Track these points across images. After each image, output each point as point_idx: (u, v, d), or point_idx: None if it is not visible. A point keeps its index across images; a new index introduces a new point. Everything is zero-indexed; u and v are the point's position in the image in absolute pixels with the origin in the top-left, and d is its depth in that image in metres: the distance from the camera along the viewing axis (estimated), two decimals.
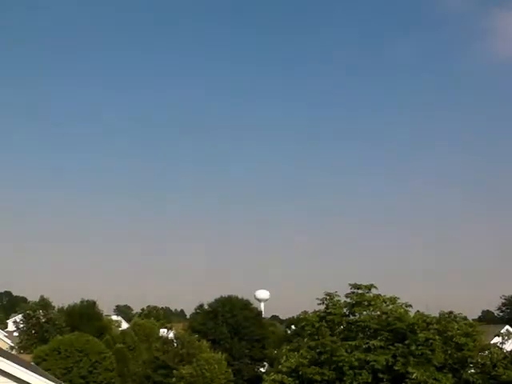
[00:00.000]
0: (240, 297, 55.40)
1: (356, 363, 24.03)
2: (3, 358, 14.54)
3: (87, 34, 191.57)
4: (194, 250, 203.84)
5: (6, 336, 66.77)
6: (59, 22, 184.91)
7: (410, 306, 26.78)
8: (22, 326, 60.17)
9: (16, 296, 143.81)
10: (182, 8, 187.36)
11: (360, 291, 27.28)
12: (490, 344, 26.34)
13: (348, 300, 27.39)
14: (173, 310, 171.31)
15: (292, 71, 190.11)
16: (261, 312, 62.26)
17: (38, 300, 64.08)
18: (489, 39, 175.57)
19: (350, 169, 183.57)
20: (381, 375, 24.02)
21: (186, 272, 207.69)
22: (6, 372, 14.19)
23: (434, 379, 22.87)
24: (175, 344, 43.32)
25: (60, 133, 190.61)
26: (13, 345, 58.56)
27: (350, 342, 24.99)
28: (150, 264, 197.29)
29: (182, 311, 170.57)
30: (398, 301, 26.97)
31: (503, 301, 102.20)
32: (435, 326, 24.53)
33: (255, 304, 65.91)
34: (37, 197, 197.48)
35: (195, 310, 57.46)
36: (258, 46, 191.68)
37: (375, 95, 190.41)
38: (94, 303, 66.67)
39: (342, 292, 27.64)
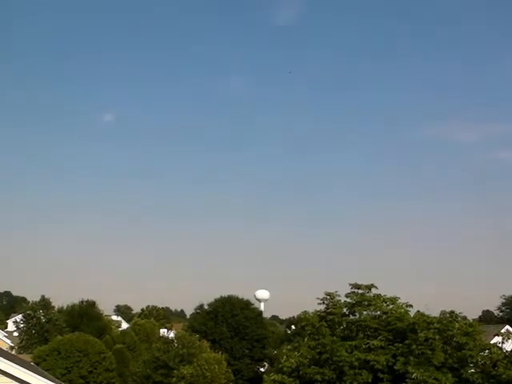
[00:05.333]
0: (240, 297, 55.47)
1: (356, 363, 24.03)
2: (3, 358, 14.53)
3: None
4: (194, 249, 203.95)
5: (6, 336, 66.80)
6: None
7: (411, 305, 26.81)
8: (22, 326, 60.21)
9: (16, 296, 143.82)
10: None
11: (360, 291, 27.30)
12: (490, 344, 26.33)
13: (348, 300, 27.40)
14: (173, 310, 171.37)
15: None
16: (261, 312, 62.21)
17: (38, 300, 64.16)
18: None
19: (349, 168, 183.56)
20: (381, 375, 24.03)
21: (186, 272, 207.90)
22: (6, 372, 14.19)
23: (434, 379, 22.86)
24: (175, 344, 43.27)
25: (62, 129, 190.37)
26: (13, 345, 58.58)
27: (350, 342, 24.99)
28: (149, 264, 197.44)
29: (181, 311, 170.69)
30: (399, 301, 27.02)
31: (503, 301, 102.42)
32: (436, 326, 24.53)
33: (255, 304, 65.89)
34: (37, 196, 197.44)
35: (195, 310, 57.47)
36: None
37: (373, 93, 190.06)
38: (93, 303, 66.74)
39: (342, 292, 27.68)
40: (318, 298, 27.61)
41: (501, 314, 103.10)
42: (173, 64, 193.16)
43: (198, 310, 56.51)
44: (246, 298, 56.77)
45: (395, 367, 23.94)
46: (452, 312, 26.13)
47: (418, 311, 27.04)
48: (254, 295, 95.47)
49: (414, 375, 22.74)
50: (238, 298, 54.87)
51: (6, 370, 14.18)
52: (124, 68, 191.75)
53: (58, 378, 30.92)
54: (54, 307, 65.94)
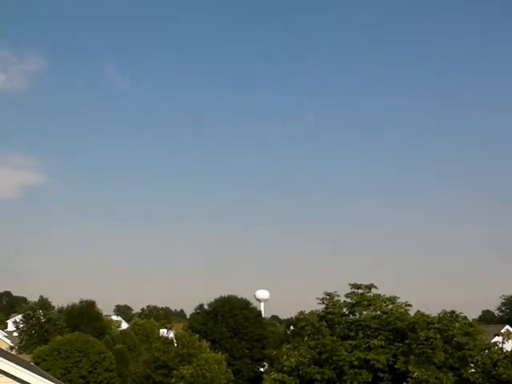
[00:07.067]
0: (240, 297, 55.45)
1: (356, 362, 24.05)
2: (3, 358, 14.52)
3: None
4: (194, 249, 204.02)
5: (6, 336, 66.75)
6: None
7: (410, 305, 26.82)
8: (21, 326, 60.13)
9: (16, 296, 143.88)
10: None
11: (360, 291, 27.32)
12: (490, 343, 26.34)
13: (348, 300, 27.41)
14: (173, 310, 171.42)
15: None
16: (261, 312, 62.19)
17: (37, 300, 64.08)
18: None
19: (349, 168, 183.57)
20: (381, 374, 24.05)
21: (186, 272, 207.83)
22: (6, 372, 14.18)
23: (435, 378, 22.87)
24: (175, 344, 43.24)
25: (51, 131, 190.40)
26: (12, 345, 58.53)
27: (350, 342, 25.01)
28: (149, 264, 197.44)
29: (181, 311, 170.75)
30: (398, 300, 27.03)
31: (503, 301, 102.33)
32: (436, 325, 24.54)
33: (255, 304, 65.86)
34: (36, 196, 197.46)
35: (195, 309, 57.45)
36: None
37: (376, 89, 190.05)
38: (93, 303, 66.68)
39: (342, 292, 27.70)
40: (317, 298, 27.66)
41: (501, 314, 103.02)
42: None
43: (198, 310, 56.49)
44: (245, 298, 56.84)
45: (395, 366, 23.97)
46: (452, 312, 26.14)
47: (418, 311, 27.05)
48: (254, 295, 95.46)
49: (415, 374, 22.76)
50: (237, 298, 54.85)
51: (5, 370, 14.17)
52: None
53: (58, 378, 30.90)
54: (53, 307, 65.90)
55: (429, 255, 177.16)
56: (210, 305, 54.83)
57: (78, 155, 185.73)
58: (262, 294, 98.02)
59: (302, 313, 28.49)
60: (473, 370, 24.55)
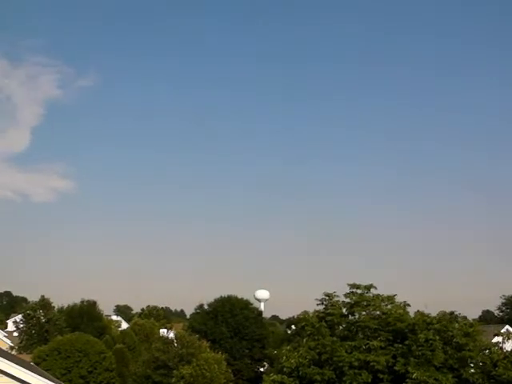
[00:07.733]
0: (240, 297, 55.43)
1: (356, 363, 24.05)
2: (3, 358, 14.52)
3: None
4: (194, 249, 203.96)
5: (6, 336, 66.73)
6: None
7: (409, 305, 26.83)
8: (21, 326, 60.12)
9: (16, 296, 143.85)
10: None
11: (359, 291, 27.31)
12: (490, 344, 26.34)
13: (347, 300, 27.40)
14: (173, 310, 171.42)
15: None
16: (261, 312, 62.15)
17: (37, 300, 64.06)
18: None
19: (349, 167, 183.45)
20: (381, 375, 24.05)
21: (186, 272, 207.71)
22: (6, 372, 14.18)
23: (435, 379, 22.87)
24: (175, 344, 43.23)
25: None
26: (13, 345, 58.52)
27: (349, 343, 25.01)
28: (149, 264, 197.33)
29: (181, 311, 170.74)
30: (396, 300, 27.03)
31: (503, 301, 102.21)
32: (435, 326, 24.54)
33: (255, 304, 65.80)
34: (36, 195, 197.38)
35: (195, 309, 57.42)
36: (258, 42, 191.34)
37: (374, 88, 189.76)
38: (94, 303, 66.70)
39: (342, 292, 27.68)
40: (316, 299, 27.64)
41: (501, 314, 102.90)
42: None
43: (198, 310, 56.46)
44: (245, 298, 56.81)
45: (395, 368, 23.96)
46: (452, 313, 26.14)
47: (418, 311, 27.06)
48: (254, 295, 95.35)
49: (415, 375, 22.77)
50: (237, 298, 54.82)
51: (5, 370, 14.17)
52: None
53: (57, 378, 30.93)
54: (54, 307, 65.88)
55: (429, 255, 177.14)
56: (209, 305, 54.80)
57: (78, 155, 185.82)
58: (262, 293, 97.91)
59: (305, 312, 28.47)
60: (472, 371, 24.55)
